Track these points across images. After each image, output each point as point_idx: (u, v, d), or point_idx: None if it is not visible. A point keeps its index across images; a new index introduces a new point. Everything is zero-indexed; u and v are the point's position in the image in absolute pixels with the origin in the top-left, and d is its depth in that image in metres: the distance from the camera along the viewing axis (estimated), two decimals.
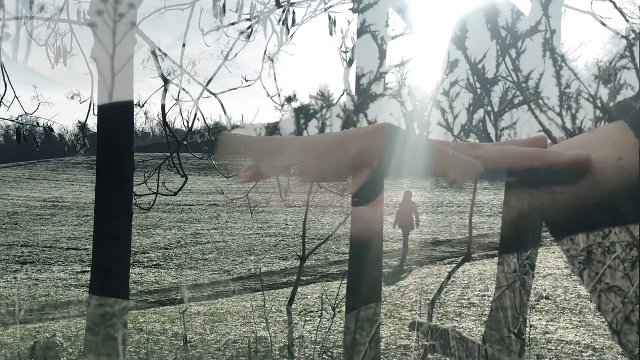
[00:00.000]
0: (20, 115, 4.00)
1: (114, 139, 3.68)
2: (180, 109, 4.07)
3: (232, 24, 4.16)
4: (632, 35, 3.62)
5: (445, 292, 8.10)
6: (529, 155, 0.50)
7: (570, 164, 0.47)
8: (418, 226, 13.55)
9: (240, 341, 6.38)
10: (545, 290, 8.15)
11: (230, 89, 4.23)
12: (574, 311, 7.17)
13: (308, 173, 0.47)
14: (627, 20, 3.88)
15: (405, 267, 12.04)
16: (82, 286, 10.58)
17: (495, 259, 5.18)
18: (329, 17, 3.98)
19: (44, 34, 3.73)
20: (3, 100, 3.74)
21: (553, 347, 5.82)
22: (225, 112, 4.27)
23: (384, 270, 9.21)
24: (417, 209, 13.32)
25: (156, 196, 4.19)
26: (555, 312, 7.19)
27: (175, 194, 4.15)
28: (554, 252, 10.49)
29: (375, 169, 0.46)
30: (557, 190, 0.43)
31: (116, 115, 3.66)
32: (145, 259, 13.09)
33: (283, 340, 6.09)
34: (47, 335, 6.38)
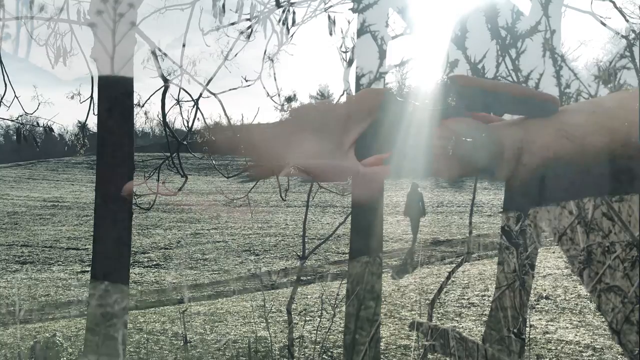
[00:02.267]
0: (20, 115, 4.01)
1: (114, 139, 3.68)
2: (180, 109, 4.07)
3: (232, 24, 4.17)
4: (632, 35, 3.62)
5: (445, 292, 8.09)
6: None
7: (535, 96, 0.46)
8: (425, 214, 14.55)
9: (240, 341, 6.38)
10: (545, 290, 8.15)
11: (230, 89, 4.23)
12: (574, 311, 7.17)
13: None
14: (627, 20, 3.87)
15: (415, 255, 12.47)
16: (82, 286, 10.57)
17: (495, 259, 5.18)
18: (329, 17, 3.98)
19: (44, 34, 3.73)
20: (3, 100, 3.74)
21: (553, 347, 5.82)
22: (225, 112, 4.27)
23: (386, 268, 9.19)
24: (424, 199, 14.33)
25: (156, 196, 4.19)
26: (555, 312, 7.19)
27: (175, 194, 4.15)
28: (554, 252, 10.49)
29: (373, 123, 0.45)
30: (589, 137, 0.41)
31: (116, 116, 3.66)
32: (145, 259, 13.09)
33: (283, 340, 6.09)
34: (47, 335, 6.39)
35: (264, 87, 4.13)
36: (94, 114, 3.75)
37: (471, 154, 0.51)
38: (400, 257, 12.68)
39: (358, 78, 3.69)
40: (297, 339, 5.91)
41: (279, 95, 4.26)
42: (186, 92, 4.09)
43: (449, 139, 0.53)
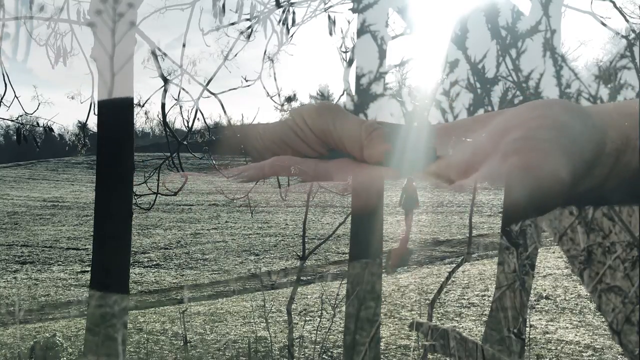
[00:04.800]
0: (21, 115, 4.01)
1: (114, 139, 3.68)
2: (181, 109, 4.07)
3: (232, 24, 4.17)
4: (632, 35, 3.62)
5: (445, 292, 8.09)
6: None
7: None
8: (419, 205, 16.16)
9: (240, 341, 6.38)
10: (545, 290, 8.15)
11: (230, 89, 4.24)
12: (574, 311, 7.16)
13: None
14: (627, 20, 3.87)
15: (410, 246, 12.72)
16: (82, 286, 10.57)
17: (495, 259, 5.18)
18: (329, 17, 3.98)
19: (44, 34, 3.72)
20: (3, 100, 3.74)
21: (553, 347, 5.82)
22: (225, 112, 4.27)
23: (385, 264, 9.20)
24: (417, 192, 15.98)
25: (156, 196, 4.19)
26: (555, 312, 7.19)
27: (175, 194, 4.15)
28: (554, 252, 10.49)
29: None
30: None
31: (116, 116, 3.66)
32: (145, 259, 13.09)
33: (283, 340, 6.09)
34: (47, 335, 6.38)
35: (264, 87, 4.13)
36: (94, 114, 3.75)
37: (578, 144, 0.40)
38: (395, 249, 12.69)
39: (358, 78, 3.69)
40: (297, 339, 5.91)
41: (279, 95, 4.25)
42: (186, 92, 4.09)
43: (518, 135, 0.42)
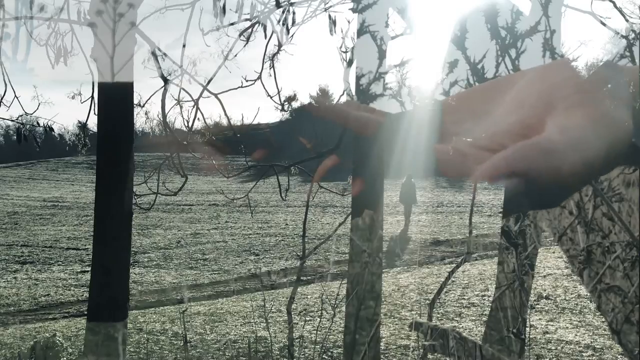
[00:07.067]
0: (21, 115, 4.01)
1: (114, 139, 3.68)
2: (181, 109, 4.07)
3: (232, 24, 4.16)
4: (632, 35, 3.62)
5: (445, 292, 8.09)
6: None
7: None
8: (417, 202, 16.80)
9: (240, 341, 6.38)
10: (545, 290, 8.15)
11: (230, 89, 4.23)
12: (574, 311, 7.17)
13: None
14: (627, 20, 3.88)
15: (409, 235, 12.76)
16: (82, 286, 10.57)
17: (495, 259, 5.18)
18: (329, 17, 3.98)
19: (44, 34, 3.72)
20: (3, 100, 3.74)
21: (553, 347, 5.82)
22: (225, 112, 4.27)
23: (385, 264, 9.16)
24: (416, 189, 16.70)
25: (156, 196, 4.19)
26: (555, 312, 7.19)
27: (175, 194, 4.15)
28: (554, 252, 10.49)
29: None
30: None
31: (116, 116, 3.66)
32: (145, 259, 13.08)
33: (283, 340, 6.09)
34: (47, 335, 6.38)
35: (264, 87, 4.12)
36: (94, 114, 3.76)
37: (624, 94, 0.39)
38: (391, 243, 12.70)
39: (358, 78, 3.69)
40: (297, 339, 5.91)
41: (279, 95, 4.25)
42: (186, 92, 4.09)
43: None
